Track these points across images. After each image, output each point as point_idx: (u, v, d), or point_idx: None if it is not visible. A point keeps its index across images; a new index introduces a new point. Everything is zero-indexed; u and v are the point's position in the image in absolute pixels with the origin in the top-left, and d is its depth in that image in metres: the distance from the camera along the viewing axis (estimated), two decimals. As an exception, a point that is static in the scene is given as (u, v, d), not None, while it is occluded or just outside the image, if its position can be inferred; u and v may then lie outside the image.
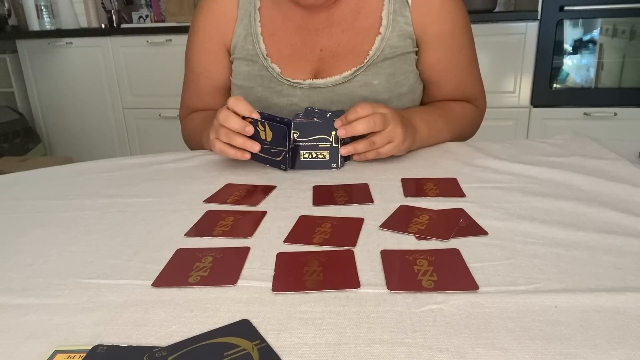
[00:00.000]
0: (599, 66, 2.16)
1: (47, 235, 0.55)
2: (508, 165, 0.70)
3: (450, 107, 0.89)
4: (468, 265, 0.44)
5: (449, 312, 0.37)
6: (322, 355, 0.33)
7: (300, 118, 0.74)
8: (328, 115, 0.74)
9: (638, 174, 0.64)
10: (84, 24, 2.76)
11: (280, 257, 0.47)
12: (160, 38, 2.44)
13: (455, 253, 0.47)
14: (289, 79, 0.85)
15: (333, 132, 0.71)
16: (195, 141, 0.93)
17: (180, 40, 2.39)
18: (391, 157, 0.75)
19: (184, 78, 0.98)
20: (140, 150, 2.68)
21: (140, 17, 2.83)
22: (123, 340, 0.36)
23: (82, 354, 0.34)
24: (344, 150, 0.72)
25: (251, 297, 0.41)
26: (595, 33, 2.12)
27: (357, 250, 0.48)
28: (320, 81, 0.84)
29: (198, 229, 0.54)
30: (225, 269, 0.45)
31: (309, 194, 0.63)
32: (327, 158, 0.73)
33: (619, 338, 0.34)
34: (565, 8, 2.02)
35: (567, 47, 2.14)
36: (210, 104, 0.95)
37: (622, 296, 0.39)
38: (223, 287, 0.43)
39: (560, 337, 0.34)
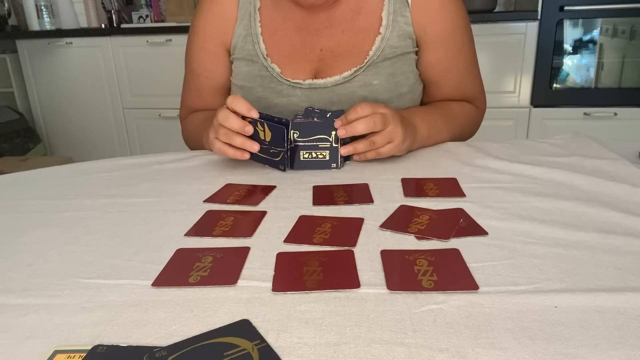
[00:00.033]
0: (599, 66, 2.16)
1: (47, 235, 0.55)
2: (508, 165, 0.70)
3: (450, 107, 0.89)
4: (468, 265, 0.44)
5: (449, 312, 0.37)
6: (322, 355, 0.33)
7: (300, 118, 0.74)
8: (328, 115, 0.74)
9: (638, 174, 0.64)
10: (84, 24, 2.76)
11: (280, 257, 0.47)
12: (160, 38, 2.44)
13: (455, 253, 0.47)
14: (289, 79, 0.85)
15: (333, 132, 0.71)
16: (195, 141, 0.93)
17: (180, 40, 2.39)
18: (391, 157, 0.75)
19: (184, 78, 0.98)
20: (140, 150, 2.68)
21: (140, 17, 2.83)
22: (123, 340, 0.36)
23: (82, 354, 0.34)
24: (344, 150, 0.72)
25: (251, 297, 0.41)
26: (595, 33, 2.12)
27: (357, 250, 0.48)
28: (320, 81, 0.84)
29: (198, 229, 0.54)
30: (225, 269, 0.45)
31: (309, 194, 0.63)
32: (327, 158, 0.73)
33: (619, 338, 0.34)
34: (565, 8, 2.02)
35: (567, 47, 2.14)
36: (210, 104, 0.95)
37: (622, 296, 0.39)
38: (223, 287, 0.43)
39: (560, 337, 0.34)
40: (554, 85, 2.16)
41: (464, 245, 0.48)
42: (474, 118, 0.95)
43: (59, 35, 2.56)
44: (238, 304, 0.40)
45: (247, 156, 0.71)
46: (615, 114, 2.09)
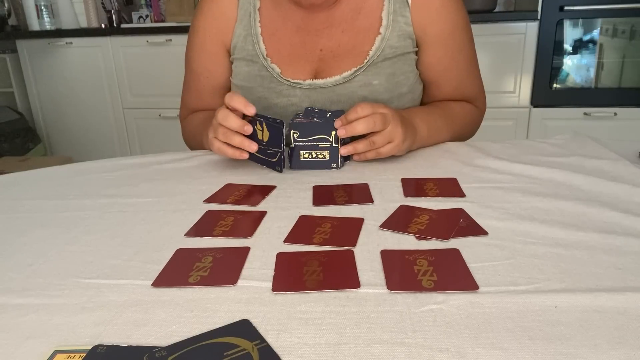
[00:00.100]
0: (599, 66, 2.16)
1: (47, 235, 0.55)
2: (508, 165, 0.70)
3: (450, 107, 0.89)
4: (468, 265, 0.44)
5: (449, 312, 0.37)
6: (322, 355, 0.33)
7: (300, 118, 0.74)
8: (328, 115, 0.74)
9: (638, 174, 0.64)
10: (84, 24, 2.76)
11: (280, 257, 0.47)
12: (160, 38, 2.44)
13: (455, 253, 0.47)
14: (288, 79, 0.85)
15: (333, 132, 0.71)
16: (195, 141, 0.93)
17: (180, 40, 2.39)
18: (391, 157, 0.75)
19: (184, 78, 0.98)
20: (140, 150, 2.68)
21: (140, 17, 2.83)
22: (123, 340, 0.36)
23: (82, 354, 0.34)
24: (344, 150, 0.72)
25: (251, 297, 0.41)
26: (595, 33, 2.12)
27: (357, 250, 0.48)
28: (320, 81, 0.84)
29: (198, 229, 0.54)
30: (225, 269, 0.45)
31: (309, 194, 0.63)
32: (327, 158, 0.73)
33: (619, 338, 0.34)
34: (565, 8, 2.02)
35: (567, 47, 2.14)
36: (210, 104, 0.95)
37: (622, 296, 0.39)
38: (223, 287, 0.43)
39: (560, 337, 0.34)
40: (554, 85, 2.16)
41: (464, 245, 0.48)
42: (474, 118, 0.95)
43: (59, 35, 2.56)
44: (238, 304, 0.40)
45: (245, 156, 0.71)
46: (615, 114, 2.09)
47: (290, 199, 0.62)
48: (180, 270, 0.45)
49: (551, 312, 0.37)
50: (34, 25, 2.61)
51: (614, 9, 2.02)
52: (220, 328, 0.37)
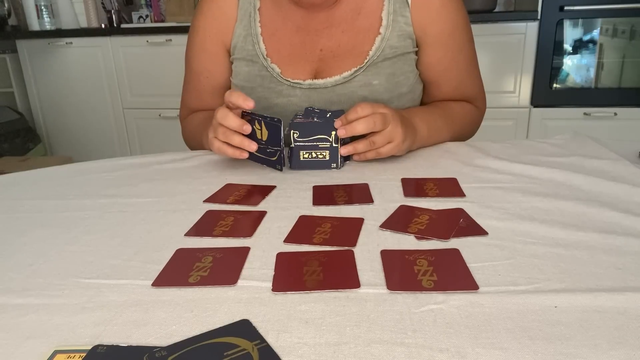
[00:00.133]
0: (599, 66, 2.16)
1: (47, 235, 0.55)
2: (508, 165, 0.70)
3: (450, 107, 0.89)
4: (468, 265, 0.44)
5: (449, 312, 0.37)
6: (322, 355, 0.33)
7: (300, 118, 0.74)
8: (328, 115, 0.74)
9: (638, 174, 0.64)
10: (84, 24, 2.76)
11: (280, 257, 0.47)
12: (160, 38, 2.44)
13: (455, 253, 0.47)
14: (288, 79, 0.85)
15: (333, 132, 0.71)
16: (195, 141, 0.93)
17: (180, 40, 2.39)
18: (391, 157, 0.75)
19: (184, 78, 0.98)
20: (140, 150, 2.68)
21: (140, 17, 2.83)
22: (123, 340, 0.36)
23: (82, 354, 0.34)
24: (344, 150, 0.72)
25: (251, 297, 0.41)
26: (595, 33, 2.12)
27: (357, 250, 0.48)
28: (320, 81, 0.84)
29: (198, 229, 0.54)
30: (225, 269, 0.45)
31: (309, 194, 0.63)
32: (327, 158, 0.73)
33: (619, 338, 0.34)
34: (565, 8, 2.02)
35: (567, 47, 2.14)
36: (210, 104, 0.95)
37: (622, 296, 0.39)
38: (223, 287, 0.43)
39: (560, 337, 0.34)
40: (554, 85, 2.16)
41: (464, 245, 0.48)
42: (474, 118, 0.95)
43: (59, 35, 2.56)
44: (238, 304, 0.40)
45: (245, 155, 0.71)
46: (615, 114, 2.09)
47: (290, 199, 0.62)
48: (180, 270, 0.45)
49: (551, 312, 0.37)
50: (34, 25, 2.61)
51: (614, 9, 2.02)
52: (220, 328, 0.37)
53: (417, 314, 0.37)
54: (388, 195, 0.62)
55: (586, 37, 2.12)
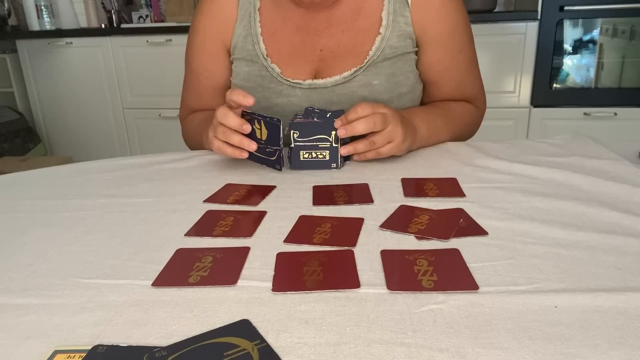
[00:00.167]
0: (599, 66, 2.16)
1: (47, 235, 0.55)
2: (508, 165, 0.70)
3: (450, 107, 0.89)
4: (468, 265, 0.44)
5: (449, 312, 0.37)
6: (322, 355, 0.33)
7: (300, 118, 0.74)
8: (328, 115, 0.74)
9: (638, 174, 0.64)
10: (84, 24, 2.76)
11: (280, 257, 0.47)
12: (160, 38, 2.44)
13: (455, 253, 0.47)
14: (288, 79, 0.85)
15: (333, 132, 0.71)
16: (195, 141, 0.93)
17: (180, 40, 2.39)
18: (391, 157, 0.75)
19: (184, 78, 0.98)
20: (140, 150, 2.68)
21: (140, 17, 2.83)
22: (123, 340, 0.36)
23: (82, 354, 0.34)
24: (344, 150, 0.72)
25: (251, 297, 0.41)
26: (595, 33, 2.12)
27: (357, 250, 0.48)
28: (320, 81, 0.84)
29: (198, 229, 0.54)
30: (225, 269, 0.45)
31: (309, 194, 0.63)
32: (327, 158, 0.73)
33: (619, 338, 0.34)
34: (565, 8, 2.02)
35: (567, 47, 2.14)
36: (210, 104, 0.95)
37: (622, 296, 0.39)
38: (223, 287, 0.43)
39: (560, 337, 0.34)
40: (554, 85, 2.16)
41: (464, 245, 0.48)
42: (474, 118, 0.95)
43: (59, 35, 2.56)
44: (238, 304, 0.40)
45: (245, 155, 0.71)
46: (615, 114, 2.09)
47: (290, 199, 0.62)
48: (180, 270, 0.45)
49: (551, 312, 0.37)
50: (34, 25, 2.61)
51: (614, 9, 2.02)
52: (220, 328, 0.37)
53: (417, 314, 0.37)
54: (388, 195, 0.62)
55: (586, 37, 2.12)
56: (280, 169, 0.72)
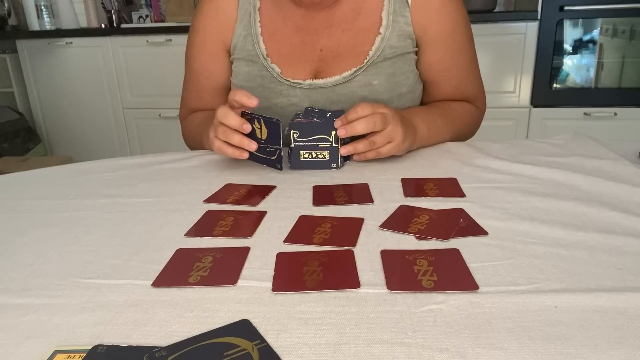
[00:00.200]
0: (599, 66, 2.16)
1: (47, 235, 0.55)
2: (508, 165, 0.70)
3: (450, 107, 0.89)
4: (468, 265, 0.44)
5: (449, 312, 0.37)
6: (322, 355, 0.33)
7: (300, 118, 0.74)
8: (328, 115, 0.74)
9: (638, 174, 0.64)
10: (84, 24, 2.76)
11: (280, 257, 0.47)
12: (160, 38, 2.44)
13: (455, 253, 0.47)
14: (288, 79, 0.85)
15: (333, 132, 0.71)
16: (195, 141, 0.93)
17: (180, 40, 2.39)
18: (391, 157, 0.75)
19: (184, 78, 0.98)
20: (140, 150, 2.68)
21: (140, 17, 2.83)
22: (123, 340, 0.36)
23: (82, 354, 0.34)
24: (344, 150, 0.72)
25: (251, 297, 0.41)
26: (595, 33, 2.12)
27: (357, 250, 0.48)
28: (320, 81, 0.84)
29: (198, 229, 0.54)
30: (225, 269, 0.45)
31: (309, 194, 0.63)
32: (327, 158, 0.73)
33: (619, 338, 0.34)
34: (565, 8, 2.02)
35: (567, 47, 2.14)
36: (210, 104, 0.95)
37: (622, 296, 0.39)
38: (223, 287, 0.43)
39: (560, 337, 0.34)
40: (554, 85, 2.16)
41: (464, 245, 0.48)
42: (474, 118, 0.95)
43: (59, 35, 2.56)
44: (238, 304, 0.40)
45: (245, 155, 0.71)
46: (615, 114, 2.09)
47: (290, 199, 0.62)
48: (180, 270, 0.45)
49: (551, 312, 0.37)
50: (34, 25, 2.61)
51: (614, 9, 2.02)
52: (220, 328, 0.37)
53: (417, 314, 0.37)
54: (388, 195, 0.62)
55: (586, 37, 2.12)
56: (280, 168, 0.72)
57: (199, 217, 0.57)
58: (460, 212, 0.56)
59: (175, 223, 0.56)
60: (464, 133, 0.93)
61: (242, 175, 0.72)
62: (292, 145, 0.72)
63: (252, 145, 0.70)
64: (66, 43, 2.55)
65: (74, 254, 0.50)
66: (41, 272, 0.47)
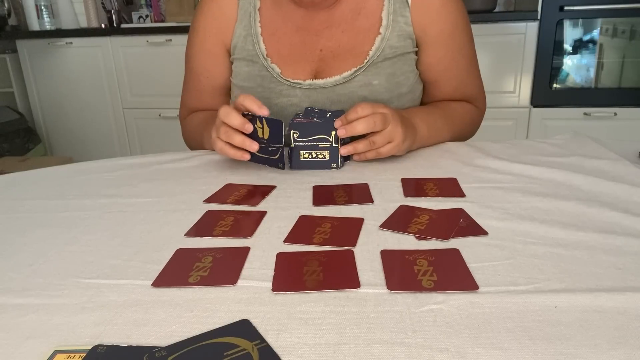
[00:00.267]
0: (599, 66, 2.16)
1: (47, 235, 0.55)
2: (508, 165, 0.70)
3: (450, 107, 0.89)
4: (468, 265, 0.44)
5: (449, 312, 0.37)
6: (322, 355, 0.33)
7: (300, 118, 0.74)
8: (328, 115, 0.74)
9: (638, 174, 0.64)
10: (84, 24, 2.76)
11: (280, 257, 0.47)
12: (160, 38, 2.44)
13: (455, 253, 0.47)
14: (288, 79, 0.85)
15: (333, 132, 0.71)
16: (195, 141, 0.93)
17: (180, 40, 2.39)
18: (391, 157, 0.75)
19: (184, 78, 0.98)
20: (140, 150, 2.68)
21: (140, 17, 2.83)
22: (123, 340, 0.36)
23: (82, 354, 0.34)
24: (344, 150, 0.72)
25: (251, 297, 0.41)
26: (595, 33, 2.12)
27: (357, 250, 0.48)
28: (320, 81, 0.84)
29: (198, 229, 0.54)
30: (225, 269, 0.45)
31: (309, 194, 0.63)
32: (327, 158, 0.73)
33: (619, 338, 0.34)
34: (565, 8, 2.02)
35: (567, 47, 2.14)
36: (210, 104, 0.95)
37: (622, 296, 0.39)
38: (223, 287, 0.43)
39: (560, 337, 0.34)
40: (554, 85, 2.16)
41: (464, 245, 0.48)
42: (474, 118, 0.95)
43: (59, 35, 2.56)
44: (238, 304, 0.40)
45: (247, 157, 0.71)
46: (615, 114, 2.09)
47: (290, 199, 0.62)
48: (180, 270, 0.45)
49: (551, 312, 0.37)
50: (34, 25, 2.61)
51: (614, 9, 2.02)
52: (220, 328, 0.37)
53: (417, 314, 0.37)
54: (388, 195, 0.62)
55: (586, 37, 2.13)
56: (282, 167, 0.72)
57: (199, 217, 0.57)
58: (460, 212, 0.56)
59: (175, 223, 0.56)
60: (464, 133, 0.93)
61: (242, 175, 0.72)
62: (292, 145, 0.72)
63: (254, 146, 0.70)
64: (66, 43, 2.55)
65: (74, 254, 0.50)
66: (41, 272, 0.47)
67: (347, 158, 0.76)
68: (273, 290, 0.42)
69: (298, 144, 0.72)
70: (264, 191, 0.65)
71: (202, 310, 0.39)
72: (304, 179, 0.69)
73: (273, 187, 0.66)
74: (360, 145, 0.72)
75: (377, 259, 0.46)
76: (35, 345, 0.36)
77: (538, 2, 2.03)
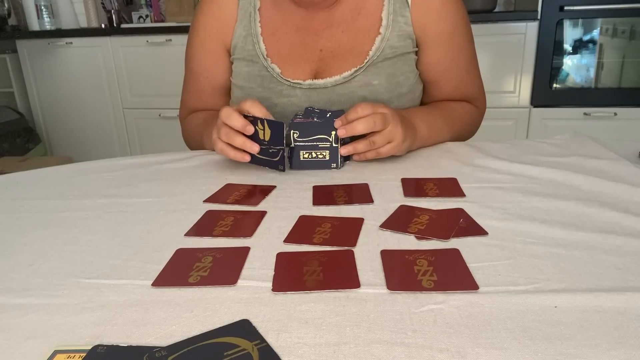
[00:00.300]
0: (599, 66, 2.16)
1: (47, 235, 0.55)
2: (508, 165, 0.70)
3: (450, 107, 0.89)
4: (468, 265, 0.44)
5: (449, 312, 0.37)
6: (322, 355, 0.33)
7: (300, 118, 0.74)
8: (328, 115, 0.74)
9: (638, 174, 0.64)
10: (84, 24, 2.76)
11: (280, 257, 0.47)
12: (160, 38, 2.44)
13: (455, 253, 0.47)
14: (288, 79, 0.85)
15: (333, 132, 0.71)
16: (195, 141, 0.93)
17: (180, 40, 2.39)
18: (391, 157, 0.75)
19: (184, 78, 0.98)
20: (140, 150, 2.68)
21: (140, 17, 2.83)
22: (123, 340, 0.36)
23: (82, 354, 0.34)
24: (344, 150, 0.72)
25: (251, 297, 0.41)
26: (595, 33, 2.12)
27: (357, 250, 0.48)
28: (320, 81, 0.84)
29: (198, 229, 0.54)
30: (225, 269, 0.45)
31: (309, 194, 0.63)
32: (327, 158, 0.73)
33: (619, 338, 0.34)
34: (565, 8, 2.02)
35: (567, 47, 2.14)
36: (210, 104, 0.95)
37: (622, 296, 0.39)
38: (223, 287, 0.43)
39: (560, 337, 0.34)
40: (554, 85, 2.16)
41: (464, 245, 0.48)
42: (474, 118, 0.95)
43: (59, 35, 2.56)
44: (238, 304, 0.40)
45: (247, 158, 0.71)
46: (615, 114, 2.09)
47: (290, 199, 0.62)
48: (180, 270, 0.45)
49: (551, 312, 0.37)
50: (34, 25, 2.61)
51: (614, 9, 2.02)
52: (220, 328, 0.37)
53: (417, 314, 0.37)
54: (388, 195, 0.62)
55: (586, 37, 2.13)
56: (283, 170, 0.72)
57: (199, 217, 0.57)
58: (460, 212, 0.56)
59: (175, 223, 0.56)
60: (464, 133, 0.93)
61: (242, 175, 0.72)
62: (292, 145, 0.72)
63: (255, 148, 0.70)
64: (66, 43, 2.55)
65: (74, 254, 0.50)
66: (41, 272, 0.47)
67: (347, 158, 0.76)
68: (273, 290, 0.42)
69: (298, 144, 0.72)
70: (264, 191, 0.65)
71: (202, 310, 0.39)
72: (304, 179, 0.69)
73: (273, 187, 0.66)
74: (360, 145, 0.72)
75: (377, 259, 0.46)
76: (35, 345, 0.36)
77: (538, 2, 2.03)
